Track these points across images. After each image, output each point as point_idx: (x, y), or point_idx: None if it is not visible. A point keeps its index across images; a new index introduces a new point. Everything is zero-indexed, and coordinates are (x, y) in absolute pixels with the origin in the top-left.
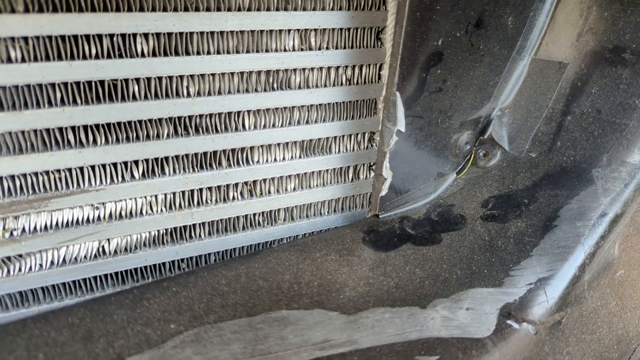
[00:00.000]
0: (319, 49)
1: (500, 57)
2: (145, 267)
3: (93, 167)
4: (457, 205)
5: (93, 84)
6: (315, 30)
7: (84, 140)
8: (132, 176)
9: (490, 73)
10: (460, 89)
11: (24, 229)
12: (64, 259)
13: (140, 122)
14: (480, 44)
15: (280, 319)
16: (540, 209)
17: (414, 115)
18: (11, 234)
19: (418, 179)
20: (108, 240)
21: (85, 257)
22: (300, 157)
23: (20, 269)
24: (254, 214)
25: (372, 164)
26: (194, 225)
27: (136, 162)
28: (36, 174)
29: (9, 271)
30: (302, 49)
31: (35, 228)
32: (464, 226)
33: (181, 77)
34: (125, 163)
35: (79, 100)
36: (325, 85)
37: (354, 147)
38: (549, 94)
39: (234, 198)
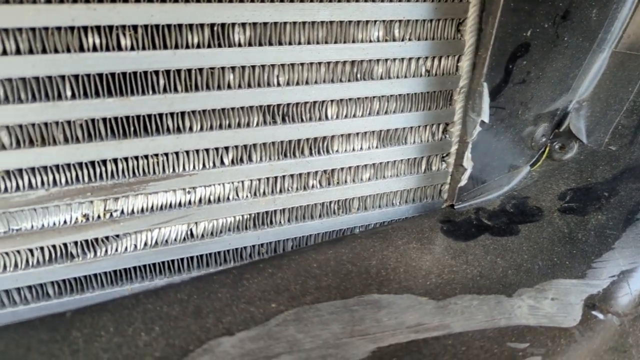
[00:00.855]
0: (402, 40)
1: (582, 49)
2: (228, 251)
3: (188, 153)
4: (533, 197)
5: (193, 71)
6: (400, 21)
7: (181, 126)
8: (222, 162)
9: (571, 65)
10: (542, 80)
11: (122, 211)
12: (156, 241)
13: (233, 109)
14: (565, 35)
15: (372, 302)
16: (622, 202)
17: (497, 106)
18: (111, 215)
19: (494, 171)
20: (196, 223)
21: (175, 239)
22: (376, 147)
23: (116, 249)
24: (330, 202)
25: (444, 155)
26: (275, 211)
27: (227, 149)
28: (137, 157)
29: (106, 251)
30: (386, 40)
31: (132, 210)
32: (541, 218)
33: (273, 66)
34: (217, 149)
35: (179, 88)
36: (405, 76)
37: (428, 138)
38: (631, 87)
39: (313, 186)
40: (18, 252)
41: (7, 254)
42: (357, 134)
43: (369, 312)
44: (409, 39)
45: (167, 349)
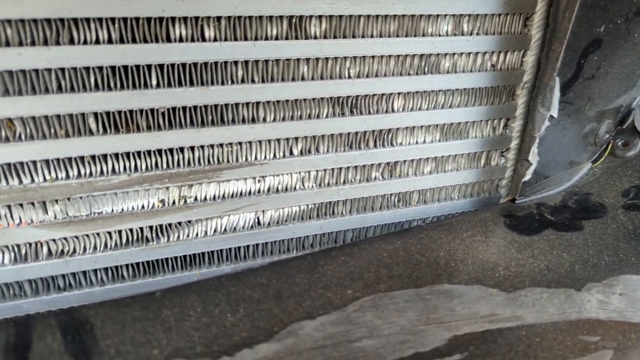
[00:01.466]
0: (470, 34)
1: None
2: (291, 239)
3: (260, 142)
4: (595, 194)
5: (270, 63)
6: (469, 15)
7: (255, 116)
8: (291, 153)
9: (639, 62)
10: (609, 76)
11: (195, 198)
12: (225, 228)
13: (305, 100)
14: (636, 31)
15: (444, 291)
16: None
17: (566, 101)
18: (185, 201)
19: (557, 166)
20: (263, 212)
21: (243, 227)
22: (439, 140)
23: (188, 235)
24: (391, 195)
25: (504, 150)
26: (338, 202)
27: (297, 140)
28: (212, 146)
29: (179, 236)
30: (454, 34)
31: (205, 197)
32: (605, 214)
33: (345, 58)
34: (288, 140)
35: (256, 79)
36: (471, 71)
37: (489, 133)
38: None
39: (375, 178)
40: (98, 234)
41: (87, 236)
42: (421, 127)
43: (442, 302)
44: (477, 34)
45: (253, 330)
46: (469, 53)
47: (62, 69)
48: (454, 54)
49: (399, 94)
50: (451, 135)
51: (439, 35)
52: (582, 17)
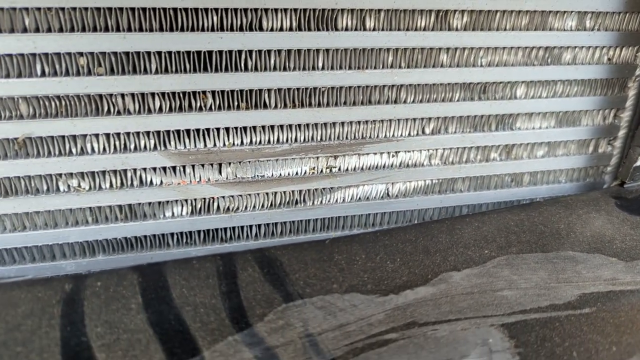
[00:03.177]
0: (592, 30)
1: None
2: (413, 211)
3: (399, 121)
4: None
5: (416, 50)
6: (592, 13)
7: (397, 97)
8: (424, 131)
9: None
10: None
11: (339, 168)
12: (360, 196)
13: (441, 85)
14: None
15: (569, 257)
16: None
17: None
18: (331, 170)
19: None
20: (393, 184)
21: (374, 196)
22: (553, 126)
23: (329, 200)
24: (506, 175)
25: (611, 139)
26: (458, 179)
27: (429, 120)
28: (359, 122)
29: (322, 201)
30: (577, 29)
31: (347, 168)
32: None
33: (480, 49)
34: (422, 119)
35: (403, 64)
36: (589, 63)
37: (600, 122)
38: None
39: (493, 159)
40: (258, 195)
41: (250, 195)
42: (539, 113)
43: (568, 265)
44: (597, 29)
45: (411, 275)
46: (589, 47)
47: (250, 51)
48: (575, 47)
49: (523, 82)
50: (565, 122)
51: (564, 30)
52: None
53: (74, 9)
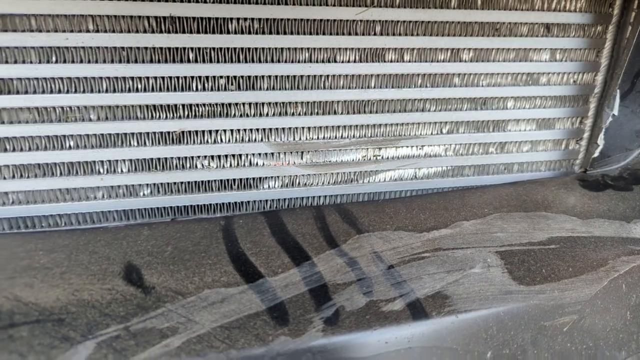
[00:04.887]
0: (561, 60)
1: None
2: (433, 189)
3: (425, 124)
4: None
5: (437, 75)
6: (561, 49)
7: (424, 107)
8: (441, 131)
9: None
10: None
11: (382, 157)
12: (395, 178)
13: (454, 98)
14: None
15: (543, 215)
16: None
17: (624, 105)
18: (376, 158)
19: (616, 150)
20: (419, 169)
21: (406, 178)
22: (535, 129)
23: (374, 180)
24: (500, 164)
25: (578, 139)
26: (466, 166)
27: (445, 123)
28: (398, 124)
29: (368, 180)
30: (551, 61)
31: (387, 157)
32: None
33: (481, 74)
34: (440, 123)
35: (428, 85)
36: (560, 84)
37: (569, 126)
38: None
39: (491, 152)
40: (326, 174)
41: (320, 174)
42: (524, 119)
43: (542, 220)
44: (565, 60)
45: (436, 222)
46: (560, 73)
47: (327, 75)
48: (549, 73)
49: (512, 97)
50: (543, 126)
51: (541, 61)
52: (635, 52)
53: (220, 48)
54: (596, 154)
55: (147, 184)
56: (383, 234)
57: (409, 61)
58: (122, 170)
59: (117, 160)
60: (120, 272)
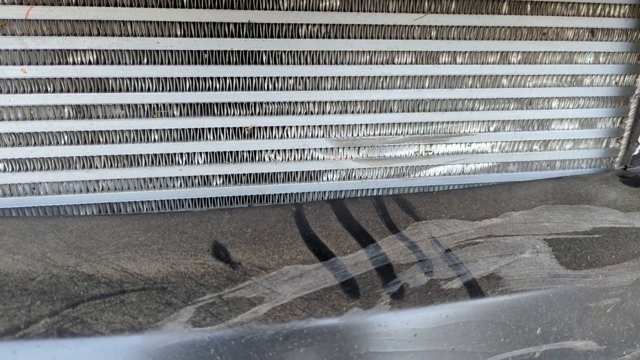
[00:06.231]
0: (604, 63)
1: None
2: (479, 184)
3: (473, 122)
4: None
5: (487, 77)
6: (604, 52)
7: (473, 106)
8: (488, 129)
9: None
10: None
11: (433, 152)
12: (444, 173)
13: (502, 98)
14: None
15: (586, 208)
16: None
17: None
18: (427, 153)
19: None
20: (466, 164)
21: (454, 173)
22: (577, 128)
23: (424, 174)
24: (543, 161)
25: (618, 138)
26: (510, 162)
27: (493, 122)
28: (448, 122)
29: (420, 175)
30: (594, 63)
31: (437, 152)
32: None
33: (528, 75)
34: (488, 121)
35: (478, 85)
36: (602, 85)
37: (610, 126)
38: None
39: (535, 149)
40: (380, 168)
41: (375, 168)
42: (568, 119)
43: (586, 212)
44: (608, 63)
45: (487, 212)
46: (602, 75)
47: (386, 76)
48: (592, 74)
49: (556, 97)
50: (585, 125)
51: (585, 64)
52: None
53: (290, 52)
54: (636, 152)
55: (220, 175)
56: (439, 222)
57: (461, 63)
58: (198, 162)
59: (194, 153)
60: (209, 250)
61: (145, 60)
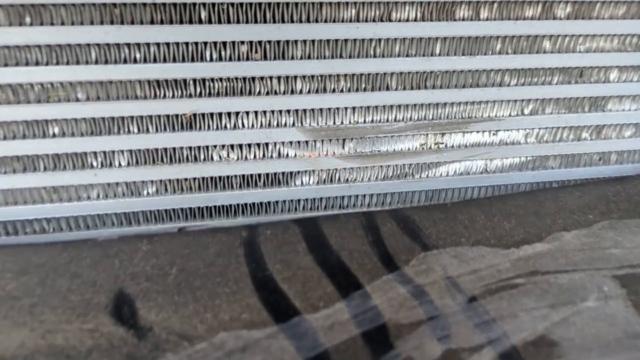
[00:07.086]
0: None
1: None
2: (508, 185)
3: (502, 102)
4: None
5: (522, 38)
6: None
7: (502, 80)
8: (522, 112)
9: None
10: None
11: (446, 144)
12: (461, 171)
13: (543, 69)
14: None
15: None
16: None
17: None
18: (438, 146)
19: None
20: (491, 160)
21: (474, 171)
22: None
23: (435, 174)
24: (594, 153)
25: None
26: (550, 156)
27: (528, 101)
28: (467, 103)
29: (427, 174)
30: None
31: (452, 144)
32: None
33: (579, 36)
34: (522, 101)
35: (509, 51)
36: None
37: None
38: None
39: (584, 138)
40: (373, 167)
41: (366, 168)
42: (629, 96)
43: None
44: None
45: (526, 234)
46: None
47: (379, 39)
48: None
49: (616, 67)
50: None
51: None
52: None
53: (241, 4)
54: None
55: (152, 181)
56: (458, 251)
57: (487, 19)
58: (120, 164)
59: (113, 152)
60: (108, 305)
61: (28, 20)
